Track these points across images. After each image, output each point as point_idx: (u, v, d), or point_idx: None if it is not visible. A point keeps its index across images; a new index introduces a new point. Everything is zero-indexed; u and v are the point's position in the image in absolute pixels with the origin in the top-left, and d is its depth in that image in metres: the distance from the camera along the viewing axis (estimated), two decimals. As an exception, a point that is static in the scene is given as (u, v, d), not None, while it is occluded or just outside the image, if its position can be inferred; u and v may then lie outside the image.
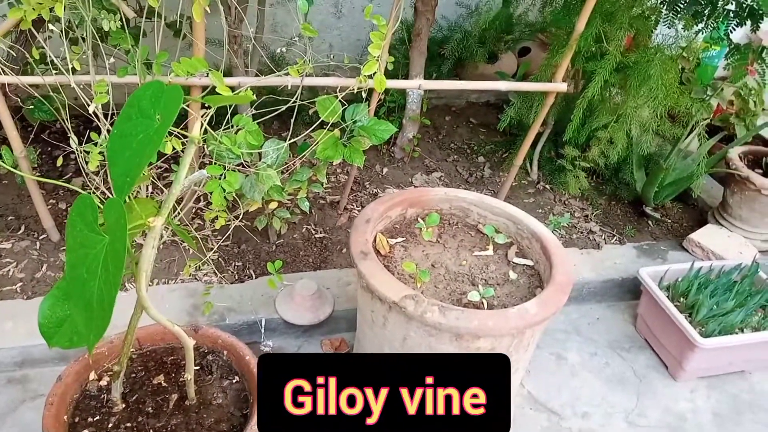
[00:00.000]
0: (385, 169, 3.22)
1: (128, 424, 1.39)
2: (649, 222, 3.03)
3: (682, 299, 2.35)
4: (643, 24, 2.66)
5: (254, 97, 1.90)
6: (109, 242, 0.92)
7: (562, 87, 2.43)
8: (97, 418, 1.40)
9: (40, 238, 2.46)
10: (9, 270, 2.31)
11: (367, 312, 1.76)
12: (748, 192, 2.78)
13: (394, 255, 1.85)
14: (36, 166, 2.74)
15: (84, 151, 1.98)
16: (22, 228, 2.51)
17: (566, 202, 3.12)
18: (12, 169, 1.29)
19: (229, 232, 2.45)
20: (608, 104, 2.73)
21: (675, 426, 2.13)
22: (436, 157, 3.37)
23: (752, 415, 2.20)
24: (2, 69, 1.97)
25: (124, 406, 1.42)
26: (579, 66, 2.72)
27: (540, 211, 3.02)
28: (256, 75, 2.81)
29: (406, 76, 3.18)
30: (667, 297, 2.31)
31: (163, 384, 1.52)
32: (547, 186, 3.23)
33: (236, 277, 2.41)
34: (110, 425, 1.38)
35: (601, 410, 2.16)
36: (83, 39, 2.35)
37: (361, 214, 1.88)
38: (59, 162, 2.03)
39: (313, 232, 2.74)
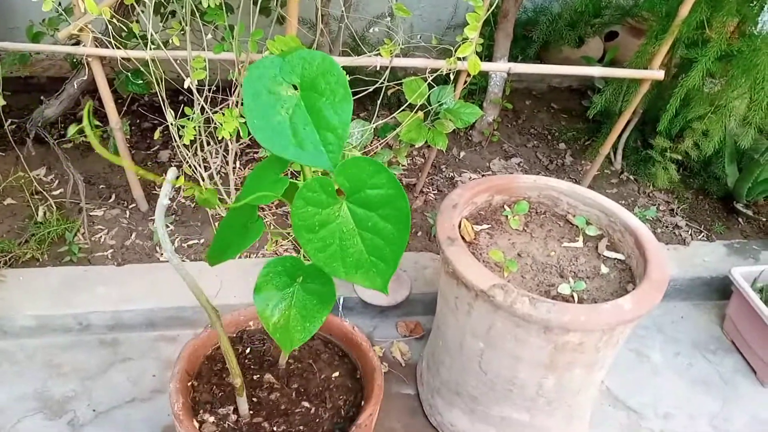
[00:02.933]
0: (462, 153, 3.18)
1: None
2: (740, 219, 2.89)
3: (777, 303, 2.23)
4: (750, 10, 2.50)
5: (348, 78, 1.89)
6: (349, 201, 0.99)
7: (658, 75, 2.32)
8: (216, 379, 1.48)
9: (130, 206, 2.55)
10: (101, 237, 2.40)
11: (450, 298, 1.74)
12: None
13: (479, 242, 1.83)
14: (127, 137, 2.84)
15: (180, 125, 2.02)
16: (113, 196, 2.61)
17: (651, 195, 3.01)
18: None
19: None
20: (705, 94, 2.59)
21: (763, 434, 2.05)
22: (516, 142, 3.30)
23: None
24: (104, 42, 2.03)
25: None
26: (679, 53, 2.59)
27: (623, 202, 2.92)
28: (340, 54, 2.81)
29: (489, 58, 3.11)
30: (761, 299, 2.20)
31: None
32: (631, 177, 3.11)
33: (315, 255, 2.44)
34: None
35: (683, 412, 2.09)
36: (172, 14, 2.40)
37: (447, 199, 1.86)
38: (157, 135, 2.09)
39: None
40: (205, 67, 1.94)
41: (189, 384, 1.43)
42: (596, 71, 2.32)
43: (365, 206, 1.00)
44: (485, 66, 2.18)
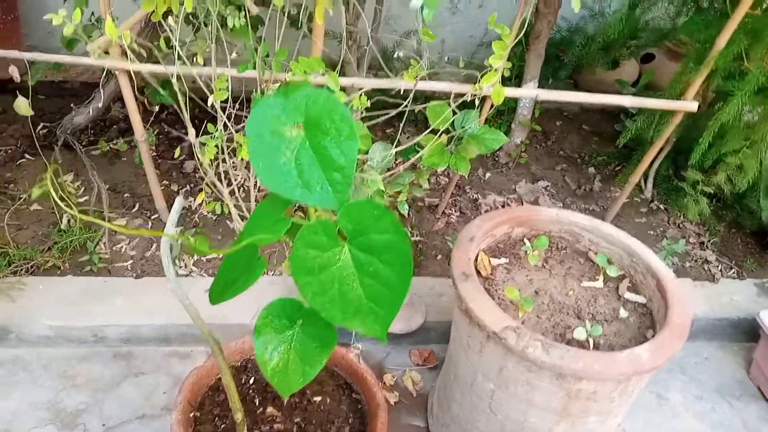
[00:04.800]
0: (488, 174, 3.13)
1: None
2: (774, 257, 2.79)
3: (807, 350, 2.14)
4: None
5: (368, 104, 1.88)
6: (351, 245, 0.98)
7: (692, 106, 2.25)
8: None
9: (152, 217, 2.57)
10: (122, 246, 2.42)
11: (463, 335, 1.71)
12: None
13: (496, 277, 1.78)
14: (153, 146, 2.87)
15: (201, 143, 2.02)
16: (137, 206, 2.63)
17: (681, 226, 2.92)
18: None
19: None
20: (741, 127, 2.51)
21: (786, 489, 1.96)
22: (543, 165, 3.24)
23: None
24: (132, 57, 2.04)
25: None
26: (715, 85, 2.51)
27: (652, 233, 2.84)
28: (368, 72, 2.79)
29: (519, 79, 3.06)
30: (791, 346, 2.11)
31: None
32: (661, 206, 3.03)
33: (332, 275, 2.42)
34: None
35: (703, 460, 2.01)
36: (198, 29, 2.41)
37: (464, 231, 1.82)
38: (177, 153, 2.09)
39: (409, 234, 2.70)
40: (228, 87, 1.94)
41: (191, 415, 1.43)
42: (627, 101, 2.26)
43: (368, 251, 0.98)
44: (509, 92, 2.14)
